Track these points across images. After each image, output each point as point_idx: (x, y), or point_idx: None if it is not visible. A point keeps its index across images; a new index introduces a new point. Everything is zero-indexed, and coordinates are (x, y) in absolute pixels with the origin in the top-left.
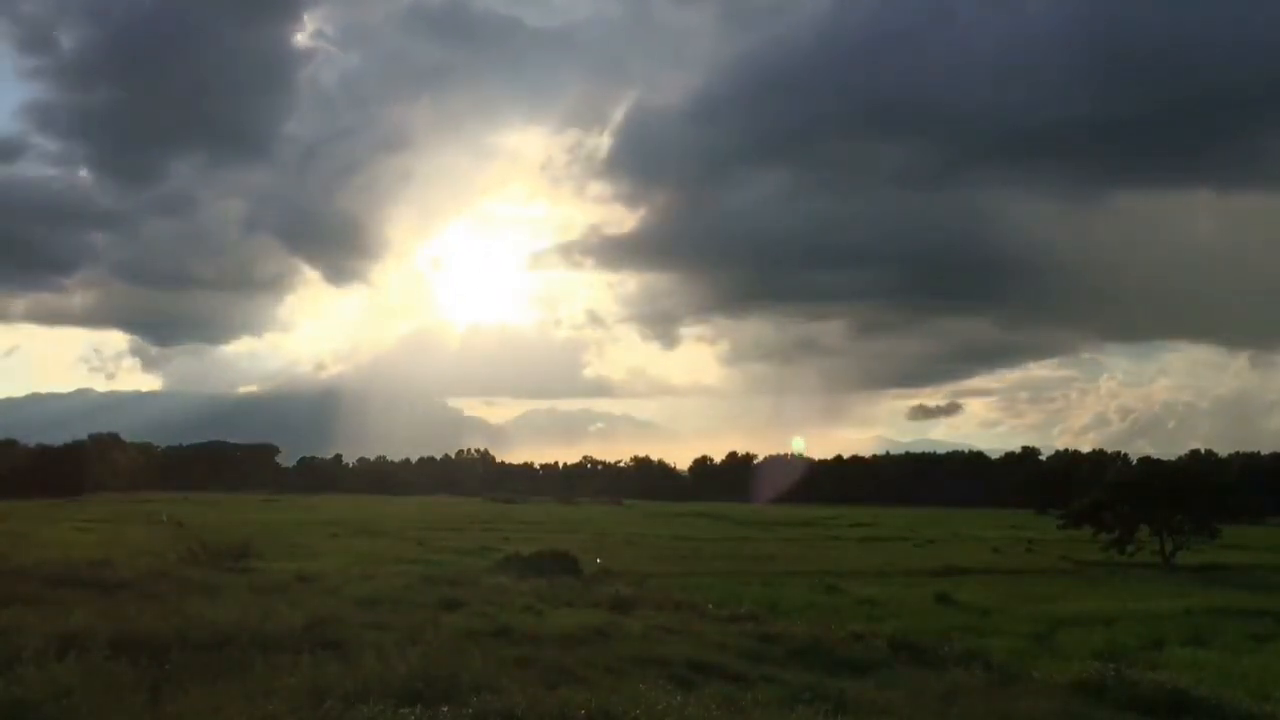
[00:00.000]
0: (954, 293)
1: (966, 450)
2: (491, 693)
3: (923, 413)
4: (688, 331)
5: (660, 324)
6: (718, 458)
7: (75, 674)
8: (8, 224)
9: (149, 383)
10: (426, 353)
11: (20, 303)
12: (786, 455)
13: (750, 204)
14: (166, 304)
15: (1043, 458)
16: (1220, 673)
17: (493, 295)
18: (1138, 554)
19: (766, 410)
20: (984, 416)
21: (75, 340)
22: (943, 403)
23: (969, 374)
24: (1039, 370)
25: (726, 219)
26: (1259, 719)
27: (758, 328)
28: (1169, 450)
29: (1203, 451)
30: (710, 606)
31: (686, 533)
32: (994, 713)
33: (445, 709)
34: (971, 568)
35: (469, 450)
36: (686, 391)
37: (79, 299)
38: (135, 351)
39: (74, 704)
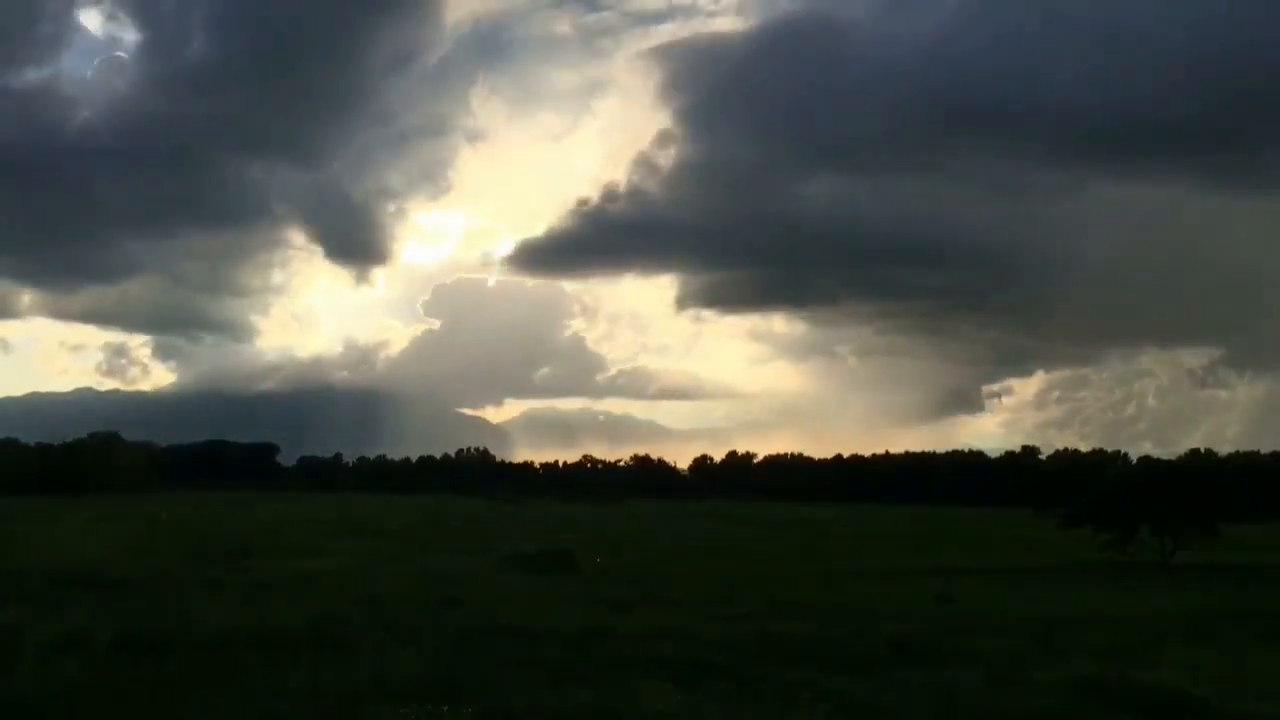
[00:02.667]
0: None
1: (967, 450)
2: (491, 692)
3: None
4: (719, 330)
5: (692, 322)
6: (718, 456)
7: (76, 674)
8: (64, 222)
9: (161, 381)
10: (437, 353)
11: (44, 300)
12: (787, 454)
13: (825, 203)
14: (189, 304)
15: (1042, 457)
16: (1220, 673)
17: (524, 292)
18: (1138, 554)
19: (802, 411)
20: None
21: (91, 338)
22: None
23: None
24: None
25: (789, 218)
26: (1259, 719)
27: (785, 326)
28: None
29: (1202, 451)
30: (710, 606)
31: (687, 532)
32: (994, 713)
33: (445, 709)
34: (971, 568)
35: (469, 449)
36: (717, 393)
37: (102, 297)
38: (147, 349)
39: (74, 704)
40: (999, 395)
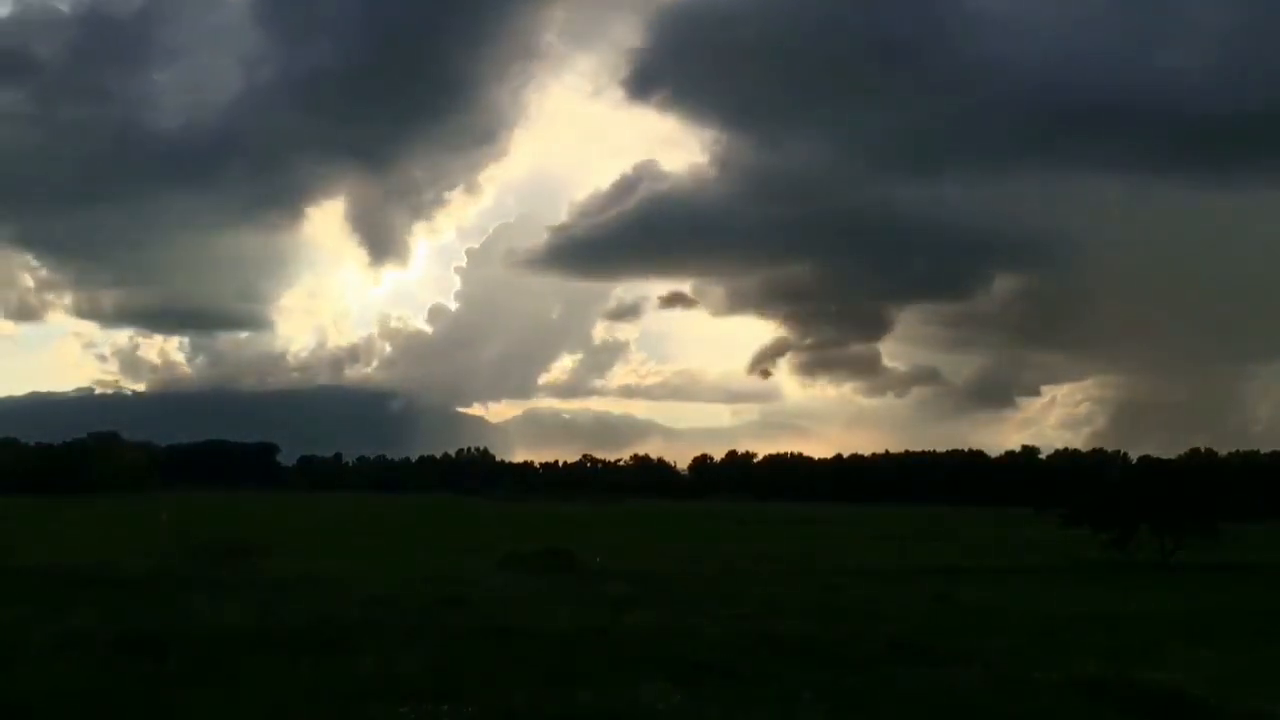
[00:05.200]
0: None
1: (966, 449)
2: (491, 692)
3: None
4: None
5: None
6: (718, 456)
7: (76, 674)
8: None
9: (162, 380)
10: (445, 352)
11: (68, 297)
12: (787, 454)
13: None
14: (190, 302)
15: (1042, 456)
16: (1220, 673)
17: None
18: (1138, 554)
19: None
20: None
21: (98, 335)
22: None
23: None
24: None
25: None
26: (1259, 719)
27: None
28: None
29: (1202, 450)
30: (710, 606)
31: (686, 532)
32: (994, 713)
33: (445, 708)
34: (971, 568)
35: (469, 449)
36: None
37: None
38: (148, 347)
39: (74, 704)
40: (1042, 395)
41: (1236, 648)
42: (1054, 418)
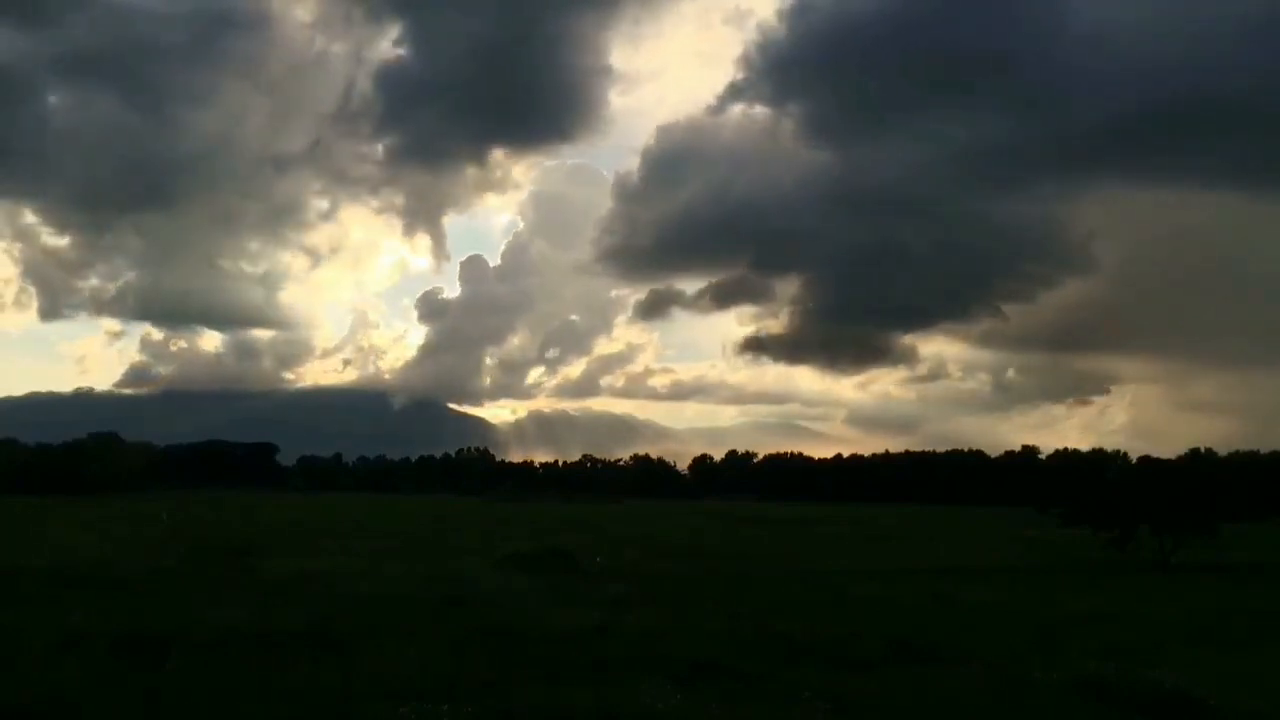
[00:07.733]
0: None
1: (966, 450)
2: (491, 692)
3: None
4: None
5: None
6: (718, 456)
7: (75, 674)
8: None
9: (162, 379)
10: (451, 356)
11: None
12: (787, 454)
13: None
14: (191, 299)
15: (1042, 456)
16: (1220, 673)
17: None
18: (1138, 553)
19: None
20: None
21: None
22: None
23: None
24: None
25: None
26: (1259, 719)
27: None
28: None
29: (1202, 451)
30: (710, 605)
31: (686, 531)
32: (994, 713)
33: (445, 708)
34: (971, 567)
35: (469, 449)
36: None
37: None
38: (149, 345)
39: (74, 704)
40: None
41: (1236, 648)
42: (1126, 416)
